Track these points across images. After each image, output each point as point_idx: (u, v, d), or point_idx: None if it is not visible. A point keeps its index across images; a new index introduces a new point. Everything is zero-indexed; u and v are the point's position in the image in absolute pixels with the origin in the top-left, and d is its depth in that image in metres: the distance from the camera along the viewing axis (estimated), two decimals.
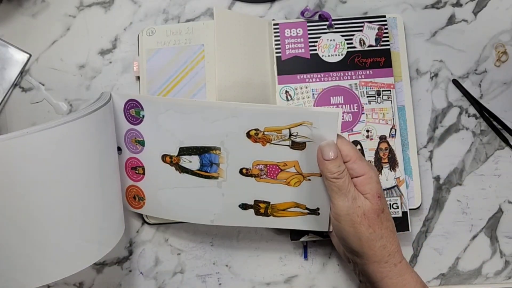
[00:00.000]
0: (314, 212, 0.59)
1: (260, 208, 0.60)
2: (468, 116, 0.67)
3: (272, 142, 0.58)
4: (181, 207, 0.61)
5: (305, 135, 0.57)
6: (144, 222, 0.65)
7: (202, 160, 0.60)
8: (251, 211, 0.60)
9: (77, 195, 0.51)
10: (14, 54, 0.67)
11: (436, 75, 0.67)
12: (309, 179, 0.59)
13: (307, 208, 0.59)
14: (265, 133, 0.58)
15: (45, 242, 0.49)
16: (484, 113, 0.66)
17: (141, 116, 0.60)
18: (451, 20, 0.68)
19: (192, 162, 0.60)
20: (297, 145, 0.58)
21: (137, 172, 0.62)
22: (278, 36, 0.66)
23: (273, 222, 0.61)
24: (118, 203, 0.59)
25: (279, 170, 0.59)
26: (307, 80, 0.65)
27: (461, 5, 0.69)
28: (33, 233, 0.48)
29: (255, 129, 0.58)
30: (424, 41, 0.68)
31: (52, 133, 0.48)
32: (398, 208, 0.63)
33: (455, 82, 0.67)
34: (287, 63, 0.65)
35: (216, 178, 0.60)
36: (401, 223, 0.63)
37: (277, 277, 0.65)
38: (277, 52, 0.65)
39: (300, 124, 0.57)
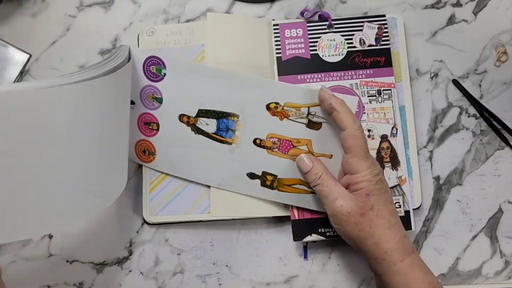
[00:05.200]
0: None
1: (267, 180, 0.62)
2: (468, 116, 0.67)
3: (290, 118, 0.60)
4: (191, 167, 0.63)
5: (323, 116, 0.59)
6: (144, 222, 0.65)
7: (219, 124, 0.62)
8: (258, 181, 0.62)
9: (85, 147, 0.51)
10: (14, 54, 0.67)
11: (436, 75, 0.68)
12: (319, 160, 0.60)
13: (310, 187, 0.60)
14: (285, 108, 0.60)
15: (51, 192, 0.50)
16: (484, 113, 0.66)
17: (162, 74, 0.61)
18: (451, 20, 0.68)
19: (209, 125, 0.62)
20: (313, 125, 0.59)
21: (150, 127, 0.63)
22: (278, 36, 0.66)
23: (277, 196, 0.62)
24: (124, 157, 0.60)
25: (291, 146, 0.61)
26: (307, 80, 0.65)
27: (461, 5, 0.69)
28: (42, 182, 0.49)
29: (276, 103, 0.60)
30: (424, 41, 0.68)
31: (69, 89, 0.48)
32: (400, 207, 0.63)
33: (455, 82, 0.67)
34: (288, 63, 0.65)
35: (230, 144, 0.62)
36: (404, 222, 0.62)
37: (277, 277, 0.65)
38: (277, 53, 0.65)
39: (319, 105, 0.58)
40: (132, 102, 0.62)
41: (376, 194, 0.55)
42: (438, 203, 0.66)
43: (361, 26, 0.66)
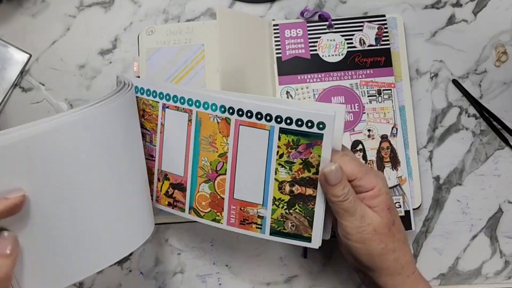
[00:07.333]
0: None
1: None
2: (468, 116, 0.67)
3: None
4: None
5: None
6: None
7: None
8: None
9: (122, 181, 0.51)
10: (14, 54, 0.67)
11: (436, 75, 0.68)
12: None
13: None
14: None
15: (94, 233, 0.49)
16: (484, 113, 0.66)
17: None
18: (451, 20, 0.68)
19: None
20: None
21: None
22: (278, 36, 0.66)
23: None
24: (147, 196, 0.58)
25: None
26: (307, 80, 0.65)
27: (461, 5, 0.69)
28: (81, 225, 0.48)
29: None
30: (424, 41, 0.68)
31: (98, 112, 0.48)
32: (400, 207, 0.63)
33: (455, 82, 0.67)
34: (288, 63, 0.65)
35: None
36: (404, 222, 0.62)
37: (277, 277, 0.65)
38: (277, 53, 0.65)
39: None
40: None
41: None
42: (438, 203, 0.66)
43: (361, 26, 0.66)
